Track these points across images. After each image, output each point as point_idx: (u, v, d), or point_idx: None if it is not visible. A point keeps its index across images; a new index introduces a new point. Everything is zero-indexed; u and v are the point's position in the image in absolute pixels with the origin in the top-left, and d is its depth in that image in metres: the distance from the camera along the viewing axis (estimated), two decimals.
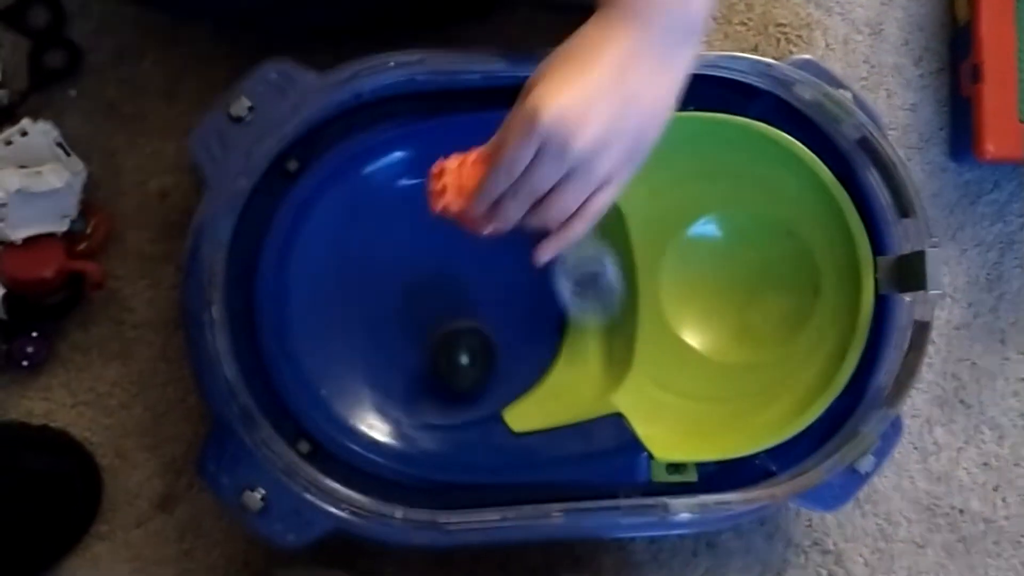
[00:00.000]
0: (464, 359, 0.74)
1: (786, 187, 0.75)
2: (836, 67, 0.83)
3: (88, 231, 0.77)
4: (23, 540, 0.75)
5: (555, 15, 0.82)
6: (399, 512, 0.68)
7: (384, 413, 0.75)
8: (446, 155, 0.68)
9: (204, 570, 0.78)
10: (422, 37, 0.74)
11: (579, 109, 0.56)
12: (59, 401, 0.78)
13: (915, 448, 0.84)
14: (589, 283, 0.74)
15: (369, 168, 0.75)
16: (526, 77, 0.73)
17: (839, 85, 0.73)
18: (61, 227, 0.75)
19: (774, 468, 0.73)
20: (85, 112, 0.79)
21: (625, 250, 0.75)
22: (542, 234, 0.62)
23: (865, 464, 0.73)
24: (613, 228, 0.76)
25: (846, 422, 0.73)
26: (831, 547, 0.82)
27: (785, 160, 0.74)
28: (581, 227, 0.61)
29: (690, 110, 0.74)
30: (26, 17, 0.80)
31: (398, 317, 0.76)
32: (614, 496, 0.71)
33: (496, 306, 0.77)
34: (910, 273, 0.70)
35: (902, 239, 0.72)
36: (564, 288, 0.74)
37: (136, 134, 0.80)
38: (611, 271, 0.74)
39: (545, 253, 0.63)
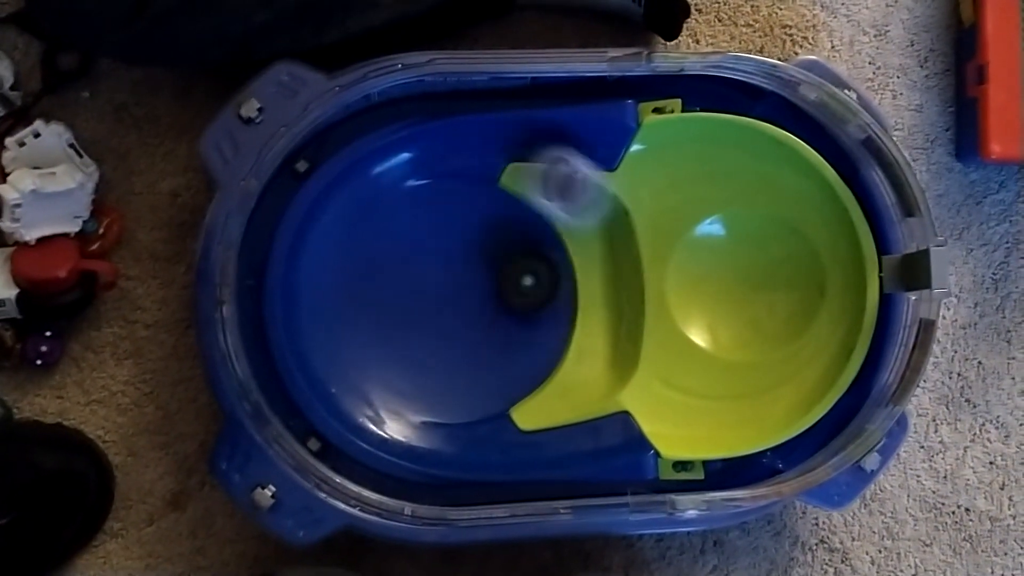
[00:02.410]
0: (528, 281, 0.76)
1: (791, 187, 0.75)
2: (842, 68, 0.83)
3: (100, 231, 0.78)
4: (36, 537, 0.75)
5: (563, 17, 0.83)
6: (408, 508, 0.69)
7: (393, 411, 0.75)
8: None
9: (216, 567, 0.78)
10: (431, 38, 0.75)
11: None
12: (72, 399, 0.79)
13: (921, 447, 0.84)
14: (567, 187, 0.73)
15: (378, 169, 0.75)
16: (533, 78, 0.74)
17: (844, 86, 0.73)
18: (74, 227, 0.76)
19: (780, 466, 0.73)
20: (98, 114, 0.80)
21: (632, 249, 0.76)
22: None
23: (871, 462, 0.73)
24: (620, 228, 0.76)
25: (852, 420, 0.73)
26: (838, 545, 0.82)
27: (790, 160, 0.74)
28: None
29: (696, 110, 0.75)
30: None
31: (406, 316, 0.76)
32: (622, 494, 0.71)
33: (502, 305, 0.77)
34: (915, 271, 0.70)
35: (907, 238, 0.72)
36: (546, 204, 0.73)
37: (148, 135, 0.80)
38: (581, 164, 0.73)
39: None
